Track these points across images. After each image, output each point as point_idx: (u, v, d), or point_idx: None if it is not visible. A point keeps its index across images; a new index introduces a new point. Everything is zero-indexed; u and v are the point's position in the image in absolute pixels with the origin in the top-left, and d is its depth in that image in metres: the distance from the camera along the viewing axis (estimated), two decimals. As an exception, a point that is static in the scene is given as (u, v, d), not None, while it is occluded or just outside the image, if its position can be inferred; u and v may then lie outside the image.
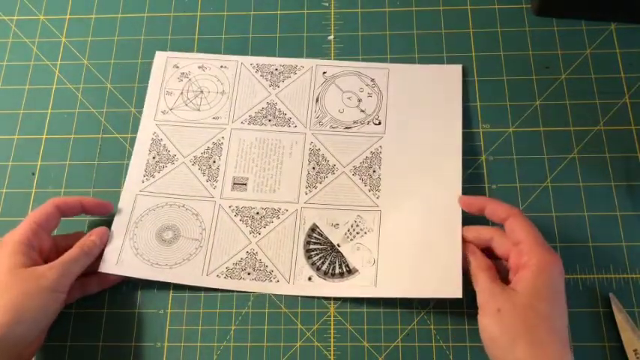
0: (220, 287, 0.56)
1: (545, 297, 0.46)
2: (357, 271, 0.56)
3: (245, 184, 0.60)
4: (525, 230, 0.49)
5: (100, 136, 0.63)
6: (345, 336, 0.55)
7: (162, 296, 0.57)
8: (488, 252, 0.53)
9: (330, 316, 0.56)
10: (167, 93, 0.64)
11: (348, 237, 0.57)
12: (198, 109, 0.63)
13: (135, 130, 0.63)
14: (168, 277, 0.56)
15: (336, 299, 0.56)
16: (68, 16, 0.69)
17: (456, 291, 0.52)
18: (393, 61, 0.65)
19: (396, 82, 0.63)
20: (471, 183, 0.59)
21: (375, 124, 0.62)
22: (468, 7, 0.67)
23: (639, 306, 0.54)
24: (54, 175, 0.62)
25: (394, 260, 0.55)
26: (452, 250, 0.53)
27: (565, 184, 0.59)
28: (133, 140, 0.62)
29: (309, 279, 0.56)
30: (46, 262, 0.52)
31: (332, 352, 0.54)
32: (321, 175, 0.60)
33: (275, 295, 0.56)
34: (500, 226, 0.52)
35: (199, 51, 0.66)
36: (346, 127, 0.62)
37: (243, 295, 0.56)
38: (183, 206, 0.59)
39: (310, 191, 0.59)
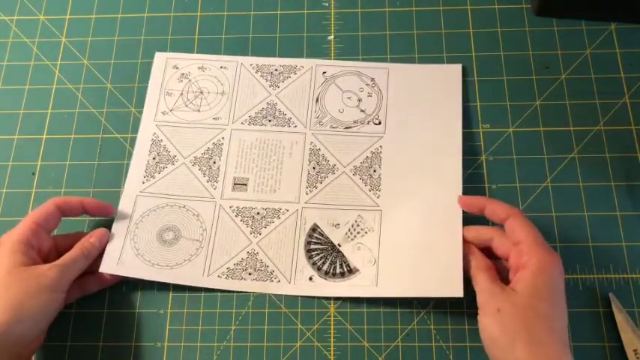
0: (221, 288, 0.56)
1: (544, 297, 0.46)
2: (357, 270, 0.56)
3: (245, 185, 0.60)
4: (525, 230, 0.49)
5: (100, 136, 0.63)
6: (345, 336, 0.55)
7: (162, 296, 0.57)
8: (488, 252, 0.53)
9: (330, 316, 0.56)
10: (167, 94, 0.64)
11: (348, 237, 0.57)
12: (199, 110, 0.63)
13: (135, 130, 0.63)
14: (169, 277, 0.56)
15: (336, 299, 0.56)
16: (68, 16, 0.69)
17: (457, 290, 0.52)
18: (393, 61, 0.65)
19: (396, 82, 0.63)
20: (471, 183, 0.59)
21: (375, 124, 0.62)
22: (468, 7, 0.67)
23: (639, 306, 0.55)
24: (54, 175, 0.62)
25: (395, 260, 0.55)
26: (453, 249, 0.53)
27: (565, 184, 0.59)
28: (133, 140, 0.62)
29: (310, 279, 0.56)
30: (45, 261, 0.52)
31: (332, 352, 0.54)
32: (322, 175, 0.60)
33: (275, 295, 0.56)
34: (500, 226, 0.52)
35: (199, 51, 0.66)
36: (346, 127, 0.62)
37: (243, 295, 0.56)
38: (184, 207, 0.59)
39: (311, 191, 0.59)
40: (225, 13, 0.68)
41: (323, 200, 0.59)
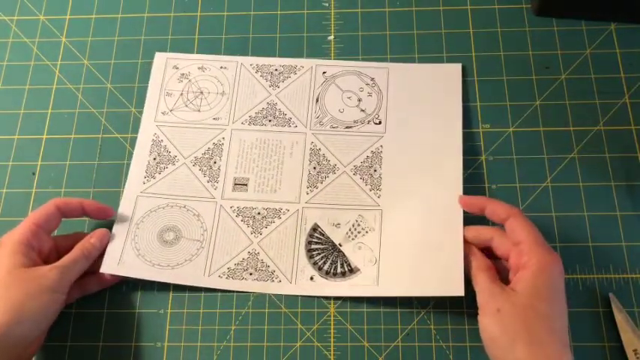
0: (222, 288, 0.56)
1: (544, 297, 0.46)
2: (358, 270, 0.56)
3: (246, 185, 0.60)
4: (525, 230, 0.49)
5: (100, 136, 0.63)
6: (345, 336, 0.55)
7: (162, 296, 0.57)
8: (488, 252, 0.53)
9: (330, 316, 0.56)
10: (167, 94, 0.64)
11: (349, 236, 0.57)
12: (199, 110, 0.63)
13: (135, 130, 0.63)
14: (169, 277, 0.56)
15: (336, 299, 0.56)
16: (68, 16, 0.69)
17: (458, 289, 0.52)
18: (393, 61, 0.65)
19: (396, 82, 0.63)
20: (471, 183, 0.59)
21: (376, 124, 0.62)
22: (468, 7, 0.67)
23: (639, 306, 0.55)
24: (54, 175, 0.62)
25: (396, 259, 0.55)
26: (453, 248, 0.53)
27: (565, 184, 0.59)
28: (133, 140, 0.62)
29: (311, 279, 0.56)
30: (45, 262, 0.52)
31: (332, 352, 0.54)
32: (322, 174, 0.60)
33: (275, 295, 0.56)
34: (500, 226, 0.52)
35: (199, 51, 0.66)
36: (347, 127, 0.62)
37: (243, 295, 0.56)
38: (184, 207, 0.59)
39: (311, 191, 0.59)
40: (225, 13, 0.68)
41: (323, 200, 0.59)
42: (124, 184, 0.60)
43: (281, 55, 0.66)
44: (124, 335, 0.56)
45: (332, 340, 0.55)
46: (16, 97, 0.65)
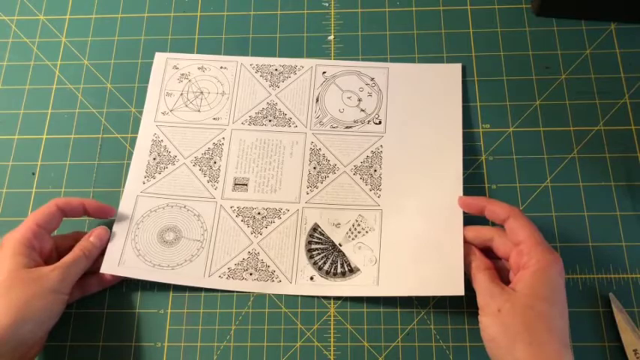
0: (222, 288, 0.56)
1: (544, 297, 0.46)
2: (358, 270, 0.56)
3: (246, 185, 0.60)
4: (525, 230, 0.49)
5: (100, 136, 0.63)
6: (345, 336, 0.55)
7: (162, 296, 0.57)
8: (488, 252, 0.53)
9: (330, 316, 0.56)
10: (167, 94, 0.64)
11: (349, 236, 0.57)
12: (199, 110, 0.63)
13: (135, 130, 0.63)
14: (170, 278, 0.56)
15: (336, 299, 0.56)
16: (68, 16, 0.69)
17: (458, 289, 0.52)
18: (393, 61, 0.65)
19: (396, 81, 0.63)
20: (471, 183, 0.59)
21: (376, 124, 0.62)
22: (468, 7, 0.67)
23: (639, 306, 0.55)
24: (54, 175, 0.62)
25: (396, 259, 0.55)
26: (453, 248, 0.53)
27: (565, 184, 0.59)
28: (133, 140, 0.62)
29: (311, 279, 0.56)
30: (46, 262, 0.52)
31: (332, 352, 0.54)
32: (322, 174, 0.60)
33: (275, 295, 0.56)
34: (500, 226, 0.52)
35: (199, 51, 0.66)
36: (347, 127, 0.62)
37: (243, 295, 0.56)
38: (185, 207, 0.59)
39: (311, 191, 0.59)
40: (225, 13, 0.68)
41: (324, 200, 0.59)
42: (124, 184, 0.60)
43: (281, 55, 0.66)
44: (124, 335, 0.56)
45: (332, 340, 0.55)
46: (16, 97, 0.65)
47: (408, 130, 0.61)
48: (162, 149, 0.61)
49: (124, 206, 0.59)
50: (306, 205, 0.59)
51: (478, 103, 0.62)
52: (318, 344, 0.55)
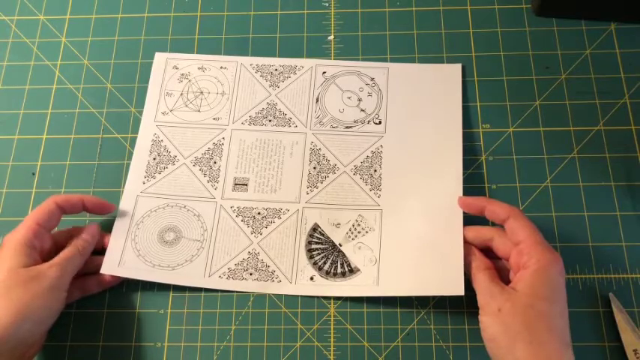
0: (223, 288, 0.56)
1: (544, 296, 0.46)
2: (358, 270, 0.56)
3: (246, 185, 0.60)
4: (525, 230, 0.49)
5: (100, 136, 0.63)
6: (345, 336, 0.55)
7: (162, 296, 0.57)
8: (488, 252, 0.53)
9: (330, 316, 0.56)
10: (167, 94, 0.64)
11: (349, 236, 0.57)
12: (199, 110, 0.63)
13: (135, 130, 0.63)
14: (170, 278, 0.56)
15: (336, 299, 0.56)
16: (68, 16, 0.69)
17: (458, 288, 0.52)
18: (393, 61, 0.65)
19: (396, 81, 0.63)
20: (471, 183, 0.59)
21: (376, 124, 0.62)
22: (468, 7, 0.67)
23: (639, 306, 0.55)
24: (54, 175, 0.62)
25: (396, 259, 0.55)
26: (453, 247, 0.53)
27: (565, 184, 0.59)
28: (133, 140, 0.62)
29: (311, 279, 0.56)
30: (45, 261, 0.52)
31: (332, 352, 0.54)
32: (322, 174, 0.60)
33: (275, 295, 0.56)
34: (501, 226, 0.52)
35: (199, 51, 0.66)
36: (347, 127, 0.62)
37: (244, 295, 0.56)
38: (185, 207, 0.59)
39: (311, 191, 0.59)
40: (225, 13, 0.68)
41: (324, 200, 0.59)
42: (124, 184, 0.60)
43: (281, 55, 0.66)
44: (124, 335, 0.56)
45: (332, 340, 0.55)
46: (16, 97, 0.65)
47: (408, 130, 0.61)
48: (163, 149, 0.61)
49: (124, 206, 0.59)
50: (306, 205, 0.59)
51: (478, 103, 0.62)
52: (318, 344, 0.55)
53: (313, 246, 0.57)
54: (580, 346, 0.53)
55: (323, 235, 0.57)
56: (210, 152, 0.61)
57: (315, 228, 0.58)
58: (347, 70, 0.64)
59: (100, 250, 0.57)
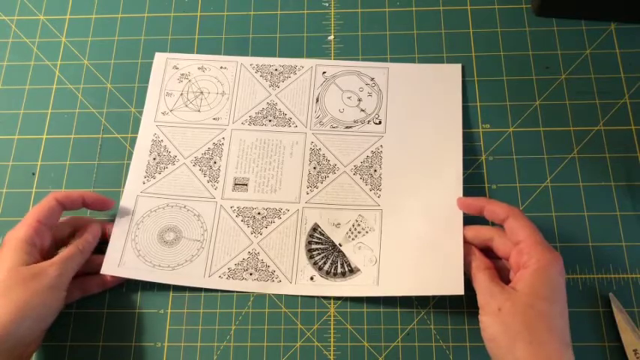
0: (223, 288, 0.56)
1: (544, 296, 0.46)
2: (359, 270, 0.56)
3: (246, 185, 0.60)
4: (525, 230, 0.49)
5: (100, 136, 0.63)
6: (345, 336, 0.55)
7: (162, 296, 0.57)
8: (489, 252, 0.53)
9: (330, 316, 0.56)
10: (167, 94, 0.64)
11: (349, 236, 0.57)
12: (199, 110, 0.63)
13: (135, 130, 0.63)
14: (170, 279, 0.56)
15: (336, 299, 0.56)
16: (68, 16, 0.69)
17: (457, 288, 0.52)
18: (393, 61, 0.65)
19: (396, 81, 0.63)
20: (471, 183, 0.59)
21: (376, 124, 0.62)
22: (468, 7, 0.67)
23: (639, 306, 0.55)
24: (54, 175, 0.62)
25: (396, 259, 0.55)
26: (453, 247, 0.53)
27: (565, 184, 0.59)
28: (133, 140, 0.62)
29: (312, 279, 0.56)
30: (45, 258, 0.52)
31: (332, 352, 0.54)
32: (322, 174, 0.60)
33: (275, 295, 0.56)
34: (500, 226, 0.52)
35: (199, 51, 0.66)
36: (347, 127, 0.62)
37: (244, 295, 0.56)
38: (185, 207, 0.59)
39: (311, 191, 0.59)
40: (225, 13, 0.68)
41: (324, 200, 0.59)
42: (124, 184, 0.60)
43: (281, 55, 0.66)
44: (124, 335, 0.56)
45: (332, 340, 0.55)
46: (16, 97, 0.65)
47: (408, 130, 0.61)
48: (163, 149, 0.61)
49: (124, 206, 0.59)
50: (306, 205, 0.59)
51: (478, 103, 0.62)
52: (318, 344, 0.55)
53: (313, 246, 0.57)
54: (580, 346, 0.53)
55: (323, 235, 0.57)
56: (210, 152, 0.61)
57: (315, 228, 0.58)
58: (347, 70, 0.64)
59: (103, 243, 0.57)
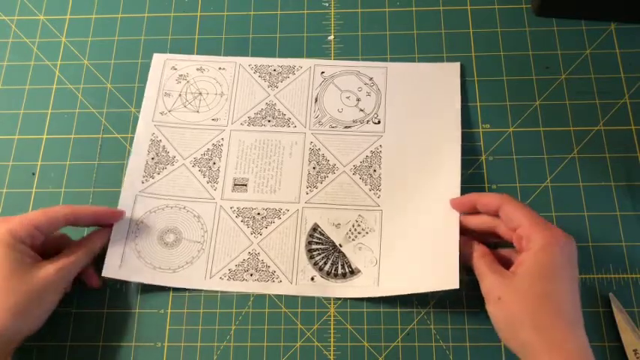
0: (224, 290, 0.56)
1: (544, 276, 0.46)
2: (359, 271, 0.56)
3: (245, 185, 0.60)
4: (520, 213, 0.49)
5: (100, 136, 0.63)
6: (345, 336, 0.55)
7: (162, 296, 0.57)
8: (498, 237, 0.53)
9: (330, 316, 0.56)
10: (165, 94, 0.64)
11: (349, 237, 0.57)
12: (197, 111, 0.63)
13: (135, 130, 0.63)
14: (171, 281, 0.56)
15: (336, 299, 0.56)
16: (68, 16, 0.69)
17: (452, 282, 0.51)
18: (393, 61, 0.65)
19: (394, 81, 0.63)
20: (471, 183, 0.59)
21: (375, 123, 0.62)
22: (468, 7, 0.67)
23: (639, 306, 0.55)
24: (54, 175, 0.62)
25: (396, 260, 0.55)
26: (450, 244, 0.53)
27: (565, 184, 0.59)
28: (133, 140, 0.62)
29: (312, 279, 0.56)
30: (38, 252, 0.52)
31: (332, 352, 0.54)
32: (322, 174, 0.60)
33: (276, 295, 0.56)
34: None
35: (199, 51, 0.66)
36: (346, 127, 0.62)
37: (244, 295, 0.56)
38: (184, 208, 0.59)
39: (311, 191, 0.59)
40: (225, 13, 0.68)
41: (323, 200, 0.59)
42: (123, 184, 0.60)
43: (281, 55, 0.66)
44: (124, 335, 0.56)
45: (332, 340, 0.55)
46: (16, 97, 0.65)
47: (407, 129, 0.61)
48: (161, 149, 0.61)
49: (123, 207, 0.59)
50: (306, 205, 0.59)
51: (478, 103, 0.62)
52: (318, 344, 0.55)
53: (313, 246, 0.57)
54: (580, 346, 0.53)
55: (323, 235, 0.57)
56: (210, 153, 0.61)
57: (315, 228, 0.58)
58: (345, 69, 0.64)
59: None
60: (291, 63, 0.65)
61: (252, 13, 0.68)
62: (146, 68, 0.65)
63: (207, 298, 0.56)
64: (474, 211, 0.53)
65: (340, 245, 0.57)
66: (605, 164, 0.59)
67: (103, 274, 0.55)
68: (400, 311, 0.55)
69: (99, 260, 0.56)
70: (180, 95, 0.64)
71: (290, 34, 0.67)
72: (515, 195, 0.58)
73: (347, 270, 0.56)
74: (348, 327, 0.55)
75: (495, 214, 0.51)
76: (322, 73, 0.64)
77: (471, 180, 0.59)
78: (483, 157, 0.60)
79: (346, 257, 0.57)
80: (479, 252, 0.51)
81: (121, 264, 0.56)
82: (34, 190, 0.61)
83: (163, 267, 0.56)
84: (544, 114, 0.62)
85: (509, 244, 0.53)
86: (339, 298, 0.56)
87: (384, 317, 0.55)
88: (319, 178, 0.60)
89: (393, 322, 0.55)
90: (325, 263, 0.56)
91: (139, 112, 0.63)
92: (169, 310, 0.56)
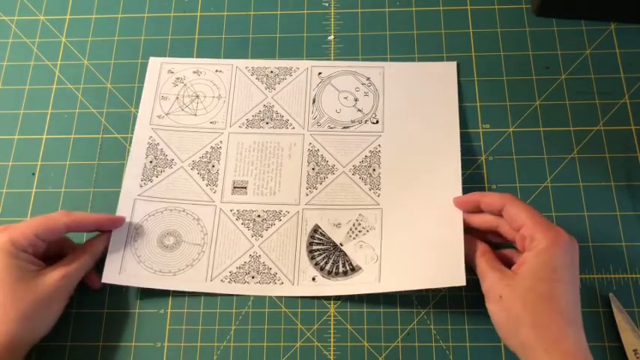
0: (225, 292, 0.56)
1: (544, 277, 0.46)
2: (360, 269, 0.56)
3: (245, 188, 0.60)
4: (523, 213, 0.49)
5: (100, 136, 0.63)
6: (345, 336, 0.55)
7: (162, 296, 0.57)
8: (499, 236, 0.53)
9: (330, 316, 0.56)
10: (162, 98, 0.64)
11: (350, 236, 0.57)
12: (195, 114, 0.63)
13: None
14: (172, 284, 0.56)
15: (336, 299, 0.56)
16: (68, 16, 0.69)
17: (459, 279, 0.51)
18: (393, 61, 0.65)
19: (392, 80, 0.63)
20: (471, 183, 0.59)
21: (373, 123, 0.62)
22: (468, 7, 0.67)
23: (639, 306, 0.55)
24: (54, 175, 0.62)
25: (397, 256, 0.55)
26: (455, 240, 0.53)
27: (565, 184, 0.59)
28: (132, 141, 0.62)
29: (313, 279, 0.56)
30: (39, 257, 0.52)
31: (332, 352, 0.54)
32: (321, 175, 0.60)
33: (277, 295, 0.56)
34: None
35: (199, 51, 0.66)
36: (344, 127, 0.62)
37: (243, 296, 0.56)
38: (184, 211, 0.59)
39: (311, 192, 0.59)
40: (225, 13, 0.68)
41: (323, 201, 0.59)
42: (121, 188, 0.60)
43: (281, 55, 0.66)
44: (124, 335, 0.56)
45: (332, 340, 0.55)
46: (16, 97, 0.65)
47: (406, 128, 0.61)
48: (159, 152, 0.61)
49: (122, 210, 0.58)
50: (306, 206, 0.59)
51: (478, 103, 0.62)
52: (318, 344, 0.55)
53: (314, 247, 0.57)
54: (579, 347, 0.53)
55: (324, 235, 0.57)
56: (209, 156, 0.61)
57: (315, 229, 0.58)
58: (342, 70, 0.64)
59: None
60: (288, 64, 0.65)
61: (252, 13, 0.68)
62: (146, 68, 0.65)
63: (207, 298, 0.56)
64: (477, 210, 0.53)
65: (341, 244, 0.57)
66: (605, 164, 0.59)
67: (102, 281, 0.55)
68: (400, 311, 0.56)
69: (99, 261, 0.56)
70: (177, 98, 0.64)
71: (290, 34, 0.67)
72: (515, 195, 0.58)
73: (348, 268, 0.56)
74: (348, 327, 0.55)
75: (498, 214, 0.51)
76: (319, 74, 0.64)
77: (471, 180, 0.59)
78: (483, 157, 0.60)
79: (347, 255, 0.57)
80: (480, 250, 0.52)
81: (121, 269, 0.56)
82: (34, 190, 0.61)
83: (164, 270, 0.56)
84: (544, 114, 0.62)
85: (510, 246, 0.53)
86: (340, 298, 0.56)
87: (384, 317, 0.55)
88: (319, 179, 0.60)
89: (393, 322, 0.55)
90: (326, 263, 0.56)
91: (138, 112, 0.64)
92: (169, 310, 0.56)
